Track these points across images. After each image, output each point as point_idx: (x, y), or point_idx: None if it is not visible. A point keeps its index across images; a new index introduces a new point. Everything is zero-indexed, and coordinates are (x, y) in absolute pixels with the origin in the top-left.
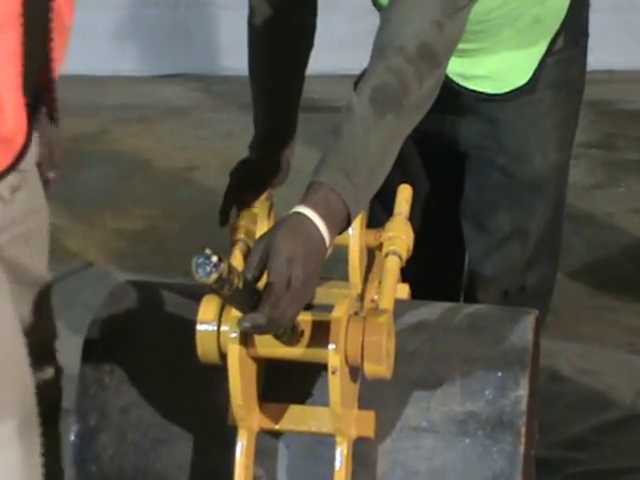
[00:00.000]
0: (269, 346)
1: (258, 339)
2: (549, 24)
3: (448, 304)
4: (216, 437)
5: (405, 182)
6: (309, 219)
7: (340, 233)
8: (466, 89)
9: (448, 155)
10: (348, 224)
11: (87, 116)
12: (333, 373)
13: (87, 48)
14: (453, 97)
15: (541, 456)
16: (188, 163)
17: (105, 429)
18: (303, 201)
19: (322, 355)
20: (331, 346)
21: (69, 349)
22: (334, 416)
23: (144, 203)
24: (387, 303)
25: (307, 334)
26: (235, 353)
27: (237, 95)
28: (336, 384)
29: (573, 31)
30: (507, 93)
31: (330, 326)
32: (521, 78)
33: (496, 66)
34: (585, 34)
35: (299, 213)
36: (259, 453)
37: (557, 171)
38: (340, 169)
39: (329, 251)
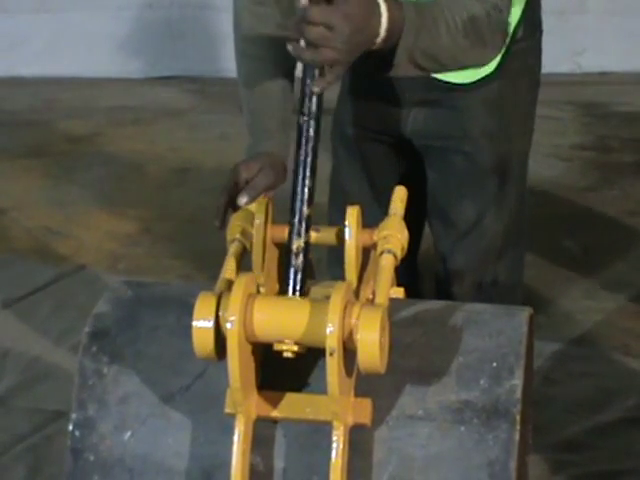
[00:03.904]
0: (268, 330)
1: (257, 323)
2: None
3: (444, 302)
4: (214, 426)
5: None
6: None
7: (385, 56)
8: (434, 80)
9: (412, 152)
10: (394, 47)
11: (82, 118)
12: (331, 355)
13: (82, 50)
14: (416, 90)
15: (536, 458)
16: (182, 165)
17: (104, 419)
18: None
19: (319, 338)
20: (329, 328)
21: (63, 351)
22: (331, 399)
23: (138, 205)
24: (382, 299)
25: (304, 321)
26: (234, 336)
27: (232, 97)
28: (334, 366)
29: (530, 23)
30: (473, 83)
31: (328, 309)
32: (487, 67)
33: None
34: (540, 30)
35: None
36: (256, 441)
37: (520, 158)
38: (412, 19)
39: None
